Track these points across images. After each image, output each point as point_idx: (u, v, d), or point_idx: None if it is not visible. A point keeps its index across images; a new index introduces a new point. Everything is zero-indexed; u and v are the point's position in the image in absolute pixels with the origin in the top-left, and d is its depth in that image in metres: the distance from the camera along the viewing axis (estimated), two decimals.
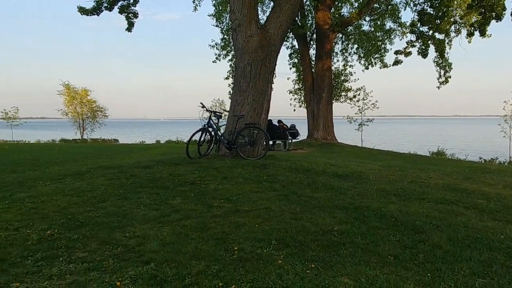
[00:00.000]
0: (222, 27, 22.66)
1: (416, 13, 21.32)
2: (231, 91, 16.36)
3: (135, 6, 14.89)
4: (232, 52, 22.61)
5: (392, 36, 22.25)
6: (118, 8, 14.57)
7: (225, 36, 22.74)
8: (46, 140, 33.54)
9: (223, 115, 9.69)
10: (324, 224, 4.53)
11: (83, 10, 14.41)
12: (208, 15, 22.71)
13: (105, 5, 14.28)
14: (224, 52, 23.26)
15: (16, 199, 5.61)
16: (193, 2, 20.78)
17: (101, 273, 3.21)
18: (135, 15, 15.11)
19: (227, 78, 24.51)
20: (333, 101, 22.36)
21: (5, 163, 11.47)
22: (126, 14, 14.91)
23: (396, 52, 22.69)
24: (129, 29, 15.38)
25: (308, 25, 21.86)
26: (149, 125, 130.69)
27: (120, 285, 3.01)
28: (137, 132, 62.72)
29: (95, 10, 14.34)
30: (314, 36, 22.34)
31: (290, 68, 25.86)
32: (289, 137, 18.40)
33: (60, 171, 8.95)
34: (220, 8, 21.97)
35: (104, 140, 34.10)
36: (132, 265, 3.37)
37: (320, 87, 20.89)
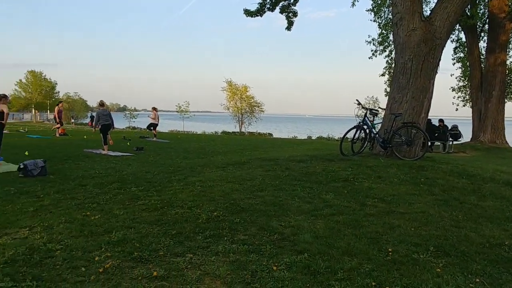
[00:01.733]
0: (380, 21, 21.87)
1: None
2: (388, 89, 15.67)
3: (295, 6, 15.35)
4: (390, 48, 21.69)
5: None
6: (279, 8, 15.21)
7: (383, 31, 21.90)
8: (210, 131, 37.05)
9: (379, 113, 9.37)
10: (492, 236, 4.07)
11: (248, 12, 15.44)
12: (366, 10, 22.20)
13: (268, 6, 15.05)
14: (381, 47, 22.43)
15: (189, 182, 6.39)
16: None
17: (260, 256, 3.46)
18: (295, 14, 15.56)
19: (382, 75, 23.62)
20: (505, 100, 19.72)
21: (179, 150, 13.09)
22: (286, 13, 15.46)
23: None
24: (288, 28, 15.92)
25: (480, 14, 19.61)
26: (297, 120, 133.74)
27: (276, 269, 3.20)
28: (290, 127, 64.75)
29: (259, 12, 15.21)
30: (486, 26, 19.98)
31: (454, 64, 23.64)
32: (450, 139, 16.94)
33: (223, 160, 9.83)
34: (379, 1, 21.23)
35: (259, 133, 36.15)
36: (287, 253, 3.54)
37: (490, 84, 18.63)
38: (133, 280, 3.00)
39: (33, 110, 58.41)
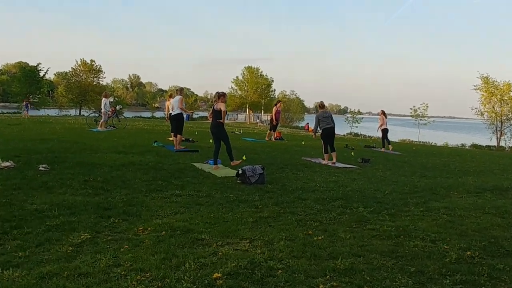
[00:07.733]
0: None
1: None
2: None
3: None
4: None
5: None
6: None
7: None
8: (454, 143, 35.12)
9: None
10: None
11: None
12: None
13: None
14: None
15: (430, 208, 6.24)
16: None
17: None
18: None
19: None
20: None
21: (415, 165, 12.84)
22: None
23: None
24: None
25: None
26: None
27: None
28: None
29: None
30: None
31: None
32: None
33: (475, 183, 9.23)
34: None
35: None
36: None
37: None
38: None
39: (247, 110, 65.95)
